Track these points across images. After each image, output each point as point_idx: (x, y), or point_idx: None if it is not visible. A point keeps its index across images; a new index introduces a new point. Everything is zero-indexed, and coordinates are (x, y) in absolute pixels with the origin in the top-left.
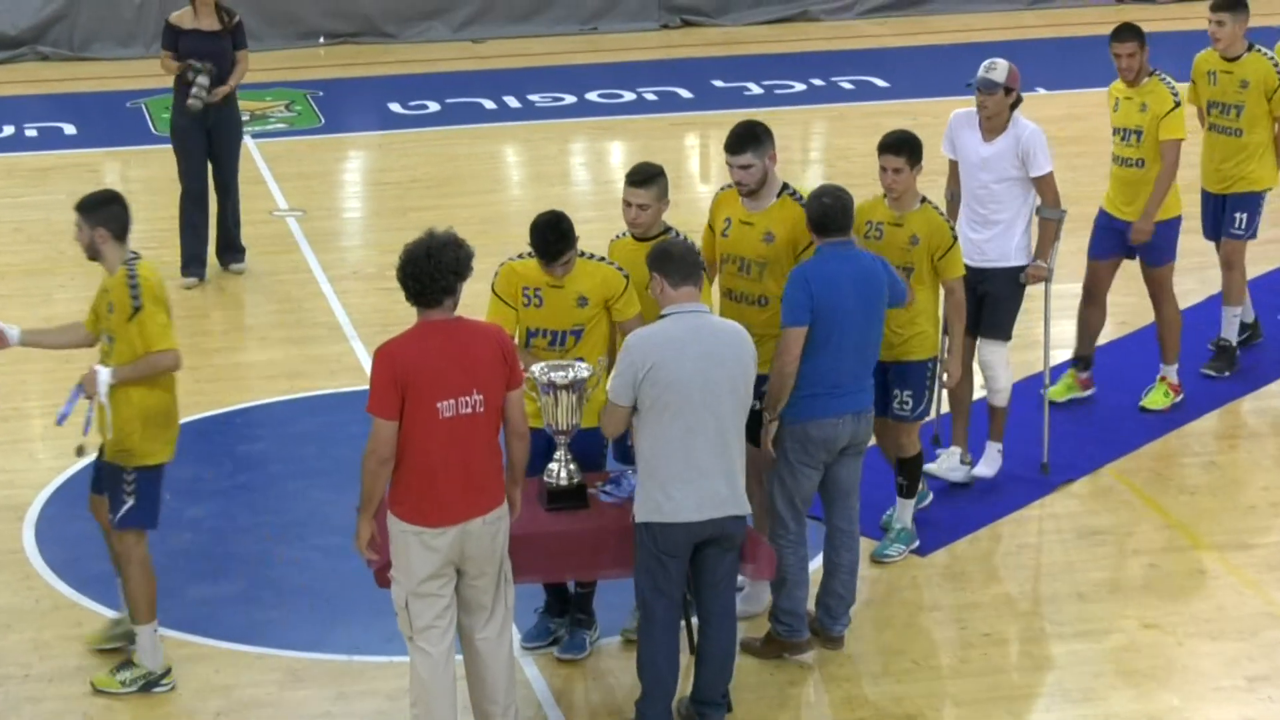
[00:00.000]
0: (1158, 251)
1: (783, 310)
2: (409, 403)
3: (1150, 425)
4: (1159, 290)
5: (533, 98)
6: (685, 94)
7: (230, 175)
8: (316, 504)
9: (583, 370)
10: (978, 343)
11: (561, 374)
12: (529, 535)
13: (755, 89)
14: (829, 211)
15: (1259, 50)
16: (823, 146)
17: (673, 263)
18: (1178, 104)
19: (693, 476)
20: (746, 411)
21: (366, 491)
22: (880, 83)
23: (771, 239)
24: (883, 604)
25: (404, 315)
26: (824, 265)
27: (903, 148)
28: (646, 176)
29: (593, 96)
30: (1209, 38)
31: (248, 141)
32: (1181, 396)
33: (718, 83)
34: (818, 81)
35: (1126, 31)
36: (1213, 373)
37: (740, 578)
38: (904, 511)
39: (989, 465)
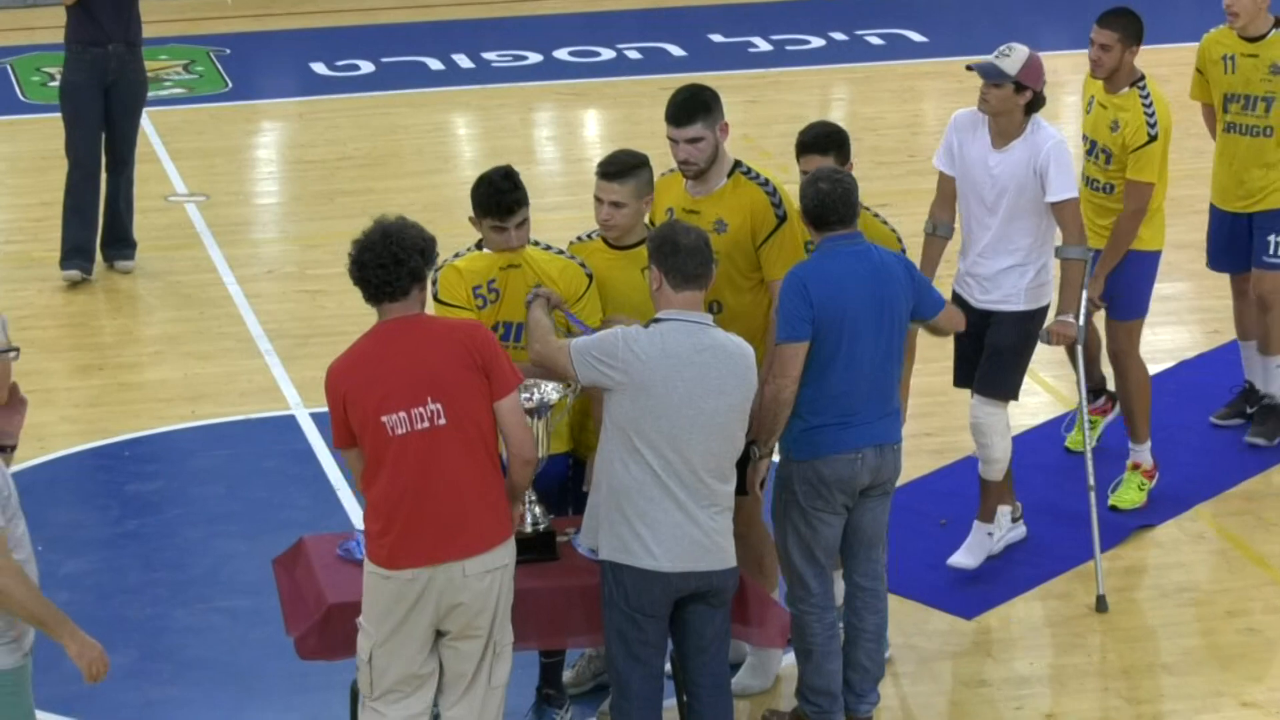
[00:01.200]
0: (1130, 297)
1: (778, 322)
2: (354, 422)
3: (1249, 457)
4: (1125, 348)
5: (489, 56)
6: (676, 51)
7: (128, 147)
8: (222, 557)
9: (551, 392)
10: (972, 401)
11: (525, 396)
12: None
13: (762, 45)
14: (828, 199)
15: None
16: (846, 116)
17: (679, 257)
18: (1153, 138)
19: (672, 521)
20: (740, 449)
21: None
22: (917, 37)
23: (724, 228)
24: (919, 678)
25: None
26: (826, 264)
27: (828, 145)
28: (624, 168)
29: (562, 54)
30: (1224, 14)
31: None
32: (1156, 480)
33: (716, 37)
34: (839, 36)
35: (1111, 18)
36: (1262, 440)
37: (744, 645)
38: None
39: (972, 552)
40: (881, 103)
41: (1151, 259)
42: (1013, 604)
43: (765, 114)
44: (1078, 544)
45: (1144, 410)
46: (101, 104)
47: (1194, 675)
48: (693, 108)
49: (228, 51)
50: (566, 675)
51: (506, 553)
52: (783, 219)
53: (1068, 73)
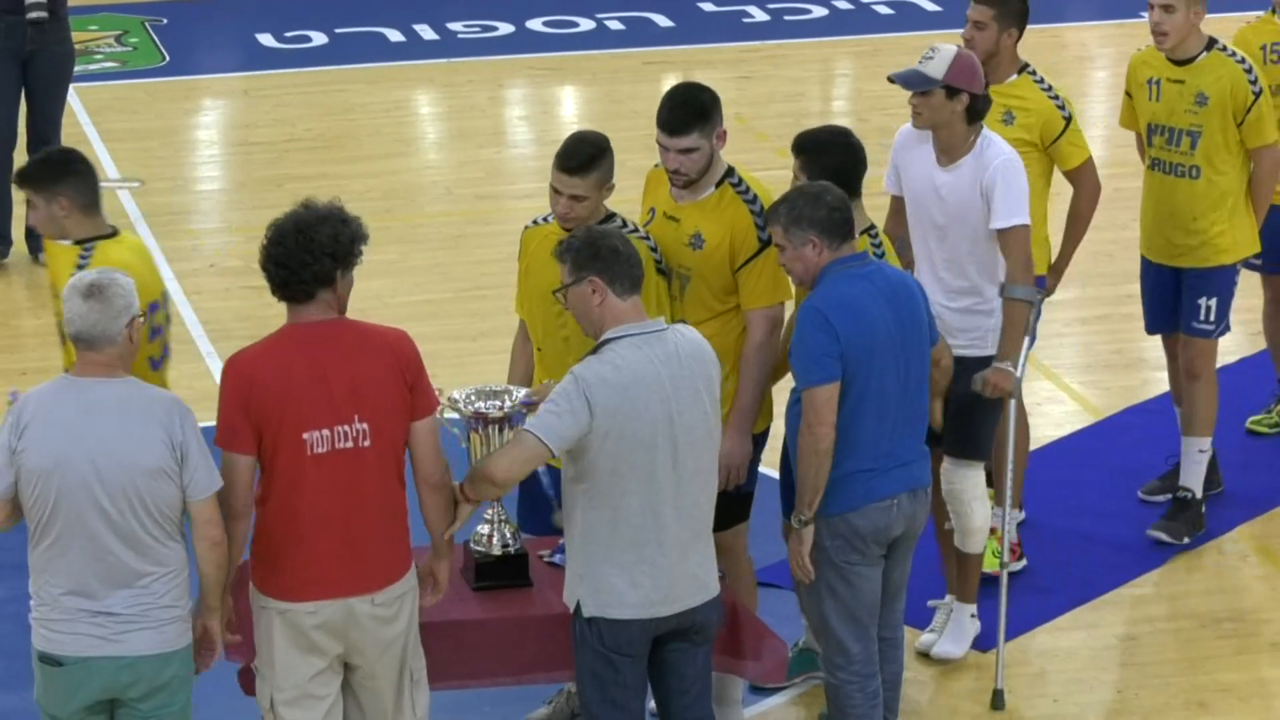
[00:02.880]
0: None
1: (799, 364)
2: (267, 434)
3: None
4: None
5: (454, 27)
6: (663, 22)
7: (52, 127)
8: None
9: (521, 399)
10: (943, 465)
11: (494, 404)
12: (448, 624)
13: (758, 14)
14: (846, 209)
15: (1222, 49)
16: (849, 94)
17: (620, 262)
18: (1069, 119)
19: (665, 558)
20: (716, 454)
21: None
22: (929, 6)
23: (700, 244)
24: (932, 715)
25: (278, 323)
26: (842, 289)
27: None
28: (586, 160)
29: (536, 25)
30: (1152, 31)
31: None
32: (1023, 563)
33: (706, 6)
34: (843, 4)
35: None
36: (1166, 536)
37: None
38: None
39: (956, 639)
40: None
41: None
42: (1034, 635)
43: (760, 92)
44: (1105, 569)
45: (1019, 475)
46: (19, 78)
47: (1235, 715)
48: (689, 115)
49: (164, 21)
50: (541, 712)
51: (413, 576)
52: (766, 243)
53: (1096, 45)
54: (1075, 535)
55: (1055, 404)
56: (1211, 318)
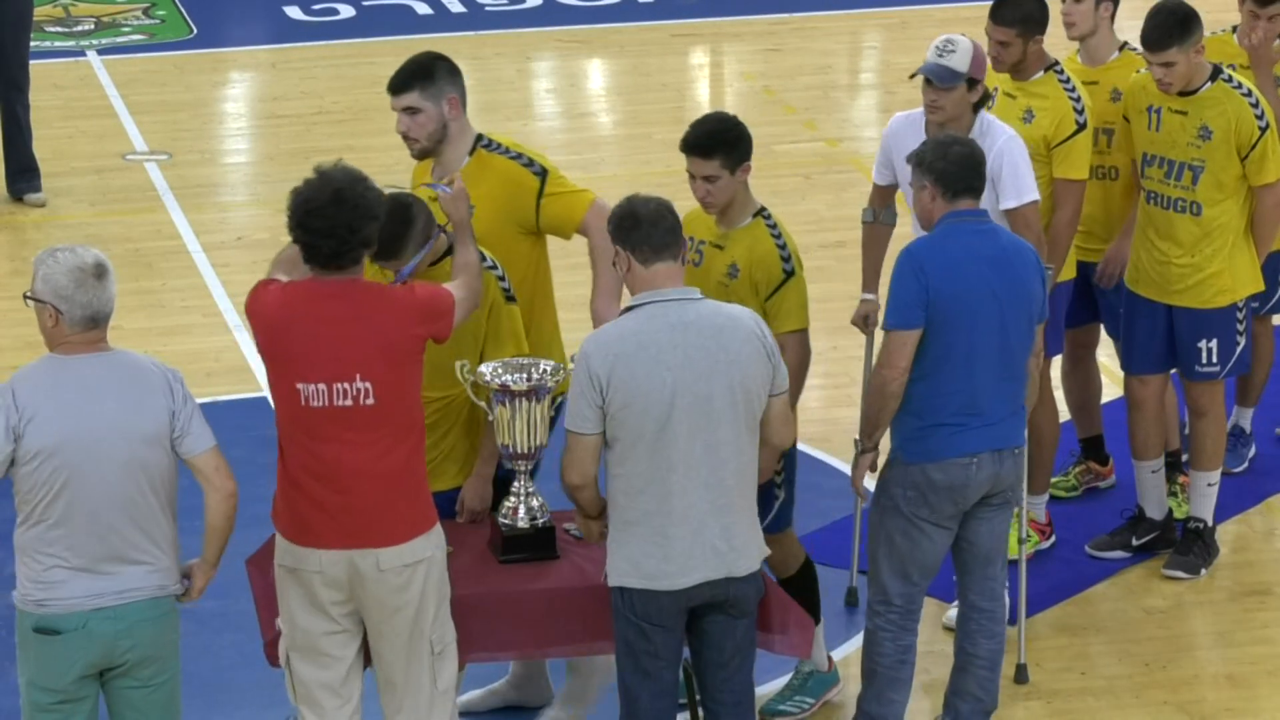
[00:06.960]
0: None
1: (887, 306)
2: (270, 374)
3: None
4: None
5: (481, 0)
6: None
7: (20, 68)
8: (186, 555)
9: (549, 374)
10: None
11: (519, 376)
12: (475, 597)
13: None
14: (969, 162)
15: (1227, 80)
16: (877, 67)
17: (641, 229)
18: (1082, 127)
19: (676, 529)
20: (755, 434)
21: None
22: None
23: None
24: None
25: None
26: (947, 243)
27: (714, 149)
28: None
29: None
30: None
31: (91, 60)
32: (1052, 540)
33: None
34: None
35: (1004, 10)
36: (1183, 573)
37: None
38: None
39: None
40: (918, 51)
41: (1060, 290)
42: (1062, 607)
43: (788, 64)
44: None
45: (1049, 457)
46: None
47: (1263, 688)
48: (410, 73)
49: None
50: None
51: (428, 544)
52: (542, 174)
53: (1124, 18)
54: (1103, 506)
55: None
56: (1214, 359)
